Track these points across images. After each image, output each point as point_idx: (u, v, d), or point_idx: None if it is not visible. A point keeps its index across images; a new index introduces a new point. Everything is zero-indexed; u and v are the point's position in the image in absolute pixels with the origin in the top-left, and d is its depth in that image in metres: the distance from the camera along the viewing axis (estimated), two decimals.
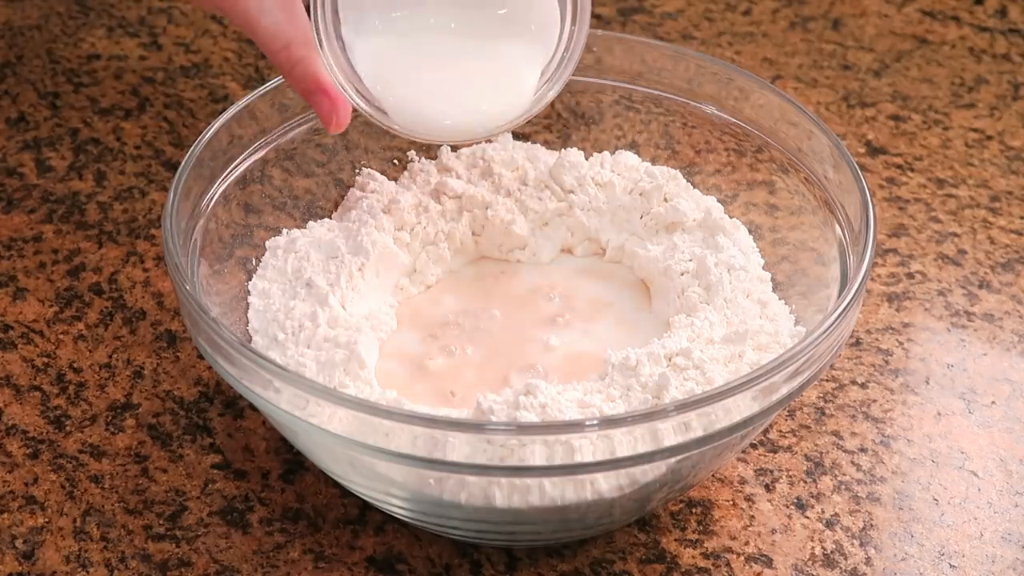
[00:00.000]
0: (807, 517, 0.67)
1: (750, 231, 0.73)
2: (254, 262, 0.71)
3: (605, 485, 0.60)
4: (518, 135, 0.78)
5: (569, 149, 0.76)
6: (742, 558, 0.65)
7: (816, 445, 0.70)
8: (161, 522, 0.66)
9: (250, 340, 0.68)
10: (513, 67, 0.68)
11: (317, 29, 0.66)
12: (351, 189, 0.75)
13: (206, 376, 0.72)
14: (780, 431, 0.70)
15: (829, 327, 0.60)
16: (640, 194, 0.74)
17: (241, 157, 0.72)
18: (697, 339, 0.66)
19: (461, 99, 0.68)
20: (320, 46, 0.66)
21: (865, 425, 0.71)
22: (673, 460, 0.59)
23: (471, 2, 0.67)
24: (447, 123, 0.69)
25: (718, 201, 0.74)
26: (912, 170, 0.87)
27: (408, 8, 0.67)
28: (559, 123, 0.79)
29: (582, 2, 0.67)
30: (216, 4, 0.71)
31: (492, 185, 0.75)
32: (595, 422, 0.57)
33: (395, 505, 0.63)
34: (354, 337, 0.66)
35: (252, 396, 0.60)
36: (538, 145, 0.78)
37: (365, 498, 0.64)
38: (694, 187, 0.75)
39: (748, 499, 0.67)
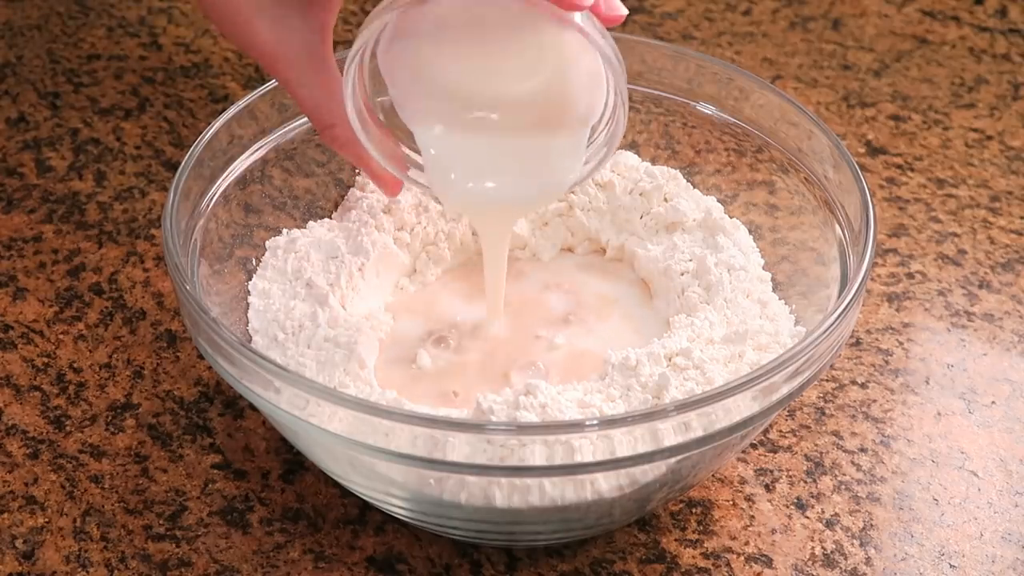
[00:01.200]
0: (807, 517, 0.67)
1: (750, 231, 0.73)
2: (254, 262, 0.71)
3: (605, 485, 0.60)
4: None
5: None
6: (742, 558, 0.65)
7: (816, 445, 0.70)
8: (161, 522, 0.66)
9: (250, 340, 0.68)
10: (559, 152, 0.65)
11: (353, 123, 0.64)
12: (351, 189, 0.75)
13: (206, 376, 0.72)
14: (780, 431, 0.70)
15: (829, 327, 0.60)
16: (640, 194, 0.74)
17: (241, 157, 0.72)
18: (697, 339, 0.65)
19: (514, 177, 0.66)
20: (359, 137, 0.64)
21: (865, 425, 0.71)
22: (673, 460, 0.59)
23: (517, 97, 0.64)
24: (500, 199, 0.66)
25: (718, 201, 0.74)
26: (912, 170, 0.87)
27: (453, 104, 0.64)
28: None
29: (621, 97, 0.62)
30: (259, 62, 0.68)
31: None
32: (595, 422, 0.57)
33: (395, 505, 0.63)
34: (354, 337, 0.66)
35: (252, 396, 0.60)
36: None
37: (365, 498, 0.64)
38: (694, 187, 0.75)
39: (748, 499, 0.67)
